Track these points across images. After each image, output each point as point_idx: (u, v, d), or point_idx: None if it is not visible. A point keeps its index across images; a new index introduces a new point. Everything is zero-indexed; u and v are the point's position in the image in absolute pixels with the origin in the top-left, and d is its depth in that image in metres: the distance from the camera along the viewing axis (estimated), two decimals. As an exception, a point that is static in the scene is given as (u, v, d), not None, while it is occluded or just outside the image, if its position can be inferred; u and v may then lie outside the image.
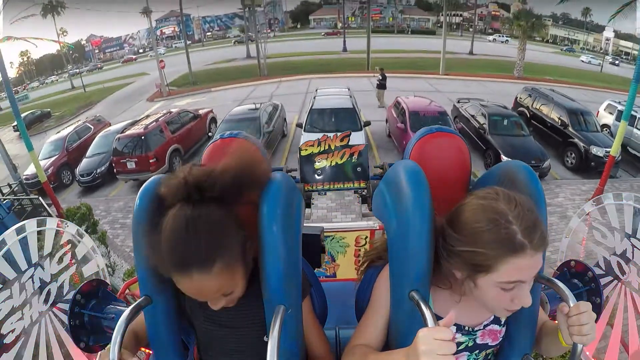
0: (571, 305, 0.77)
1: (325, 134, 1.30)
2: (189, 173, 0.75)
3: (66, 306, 0.98)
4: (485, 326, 0.91)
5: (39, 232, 1.01)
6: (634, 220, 1.09)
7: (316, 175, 1.30)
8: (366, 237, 3.22)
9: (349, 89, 9.43)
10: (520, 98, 10.93)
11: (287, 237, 0.82)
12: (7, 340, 0.88)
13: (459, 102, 10.37)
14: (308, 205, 1.29)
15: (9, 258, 0.91)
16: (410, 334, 0.69)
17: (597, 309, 0.95)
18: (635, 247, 1.07)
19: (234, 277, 0.77)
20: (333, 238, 3.23)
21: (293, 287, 0.84)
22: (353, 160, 1.31)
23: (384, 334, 0.89)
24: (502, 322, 0.92)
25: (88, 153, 9.45)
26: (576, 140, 8.59)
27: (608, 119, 9.86)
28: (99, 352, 0.98)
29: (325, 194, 1.32)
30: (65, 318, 1.00)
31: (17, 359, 0.89)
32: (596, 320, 0.80)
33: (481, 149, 8.74)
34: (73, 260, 1.09)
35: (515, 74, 17.58)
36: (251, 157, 0.84)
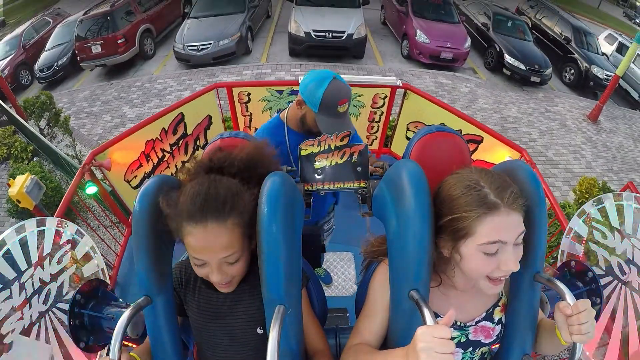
0: (570, 304, 0.77)
1: (327, 134, 1.30)
2: (214, 155, 0.89)
3: (66, 306, 0.98)
4: (477, 322, 0.91)
5: (38, 232, 1.01)
6: (634, 220, 1.09)
7: (316, 175, 1.30)
8: (385, 97, 3.10)
9: None
10: (522, 8, 10.85)
11: (287, 237, 0.82)
12: (7, 340, 0.88)
13: (459, -2, 10.35)
14: (308, 205, 1.29)
15: (8, 258, 0.91)
16: (410, 334, 0.69)
17: (597, 309, 0.95)
18: (636, 247, 1.07)
19: (242, 242, 0.81)
20: None
21: (293, 287, 0.84)
22: (353, 160, 1.31)
23: (382, 331, 0.89)
24: (496, 320, 0.92)
25: (47, 46, 8.44)
26: (577, 57, 8.48)
27: (606, 48, 9.76)
28: (99, 352, 0.98)
29: (324, 194, 1.32)
30: (65, 318, 1.00)
31: (17, 359, 0.89)
32: (596, 320, 0.80)
33: (482, 47, 8.69)
34: (73, 260, 1.09)
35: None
36: (262, 144, 0.96)
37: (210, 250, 0.78)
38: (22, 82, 8.40)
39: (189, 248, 0.80)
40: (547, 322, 0.94)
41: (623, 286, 1.08)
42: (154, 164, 2.84)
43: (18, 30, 9.23)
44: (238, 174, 0.85)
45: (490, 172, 0.81)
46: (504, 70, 8.09)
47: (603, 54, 9.37)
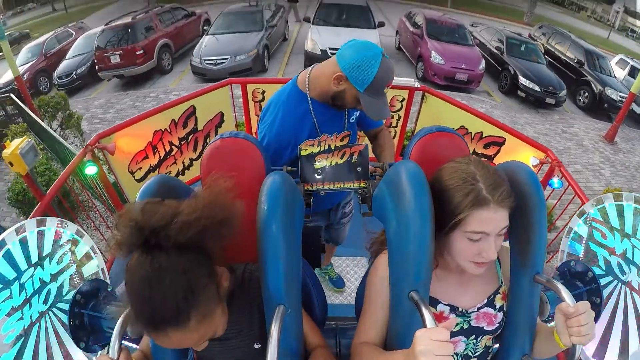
0: (571, 306, 0.77)
1: (327, 135, 1.30)
2: (143, 216, 0.64)
3: (66, 306, 0.98)
4: (479, 309, 0.92)
5: (38, 232, 1.01)
6: (634, 220, 1.09)
7: (316, 175, 1.30)
8: (403, 100, 3.03)
9: None
10: (535, 35, 11.04)
11: (287, 237, 0.82)
12: (7, 340, 0.88)
13: (473, 25, 10.69)
14: (308, 205, 1.29)
15: (8, 258, 0.91)
16: (409, 334, 0.69)
17: (597, 309, 0.95)
18: (635, 247, 1.07)
19: (214, 321, 0.71)
20: None
21: (293, 287, 0.84)
22: (353, 160, 1.31)
23: (385, 326, 0.90)
24: (497, 307, 0.93)
25: (68, 55, 8.81)
26: (591, 79, 8.51)
27: (618, 72, 9.79)
28: (99, 352, 0.98)
29: (324, 194, 1.32)
30: (65, 318, 0.99)
31: (17, 359, 0.89)
32: (596, 321, 0.80)
33: (496, 71, 8.78)
34: (73, 260, 1.09)
35: (525, 19, 17.62)
36: (223, 201, 0.72)
37: (182, 347, 0.71)
38: (41, 88, 8.64)
39: None
40: (543, 326, 0.95)
41: (623, 286, 1.08)
42: (160, 157, 2.68)
43: (41, 39, 9.54)
44: (184, 242, 0.65)
45: (487, 166, 0.84)
46: (519, 92, 8.11)
47: (615, 77, 9.44)
